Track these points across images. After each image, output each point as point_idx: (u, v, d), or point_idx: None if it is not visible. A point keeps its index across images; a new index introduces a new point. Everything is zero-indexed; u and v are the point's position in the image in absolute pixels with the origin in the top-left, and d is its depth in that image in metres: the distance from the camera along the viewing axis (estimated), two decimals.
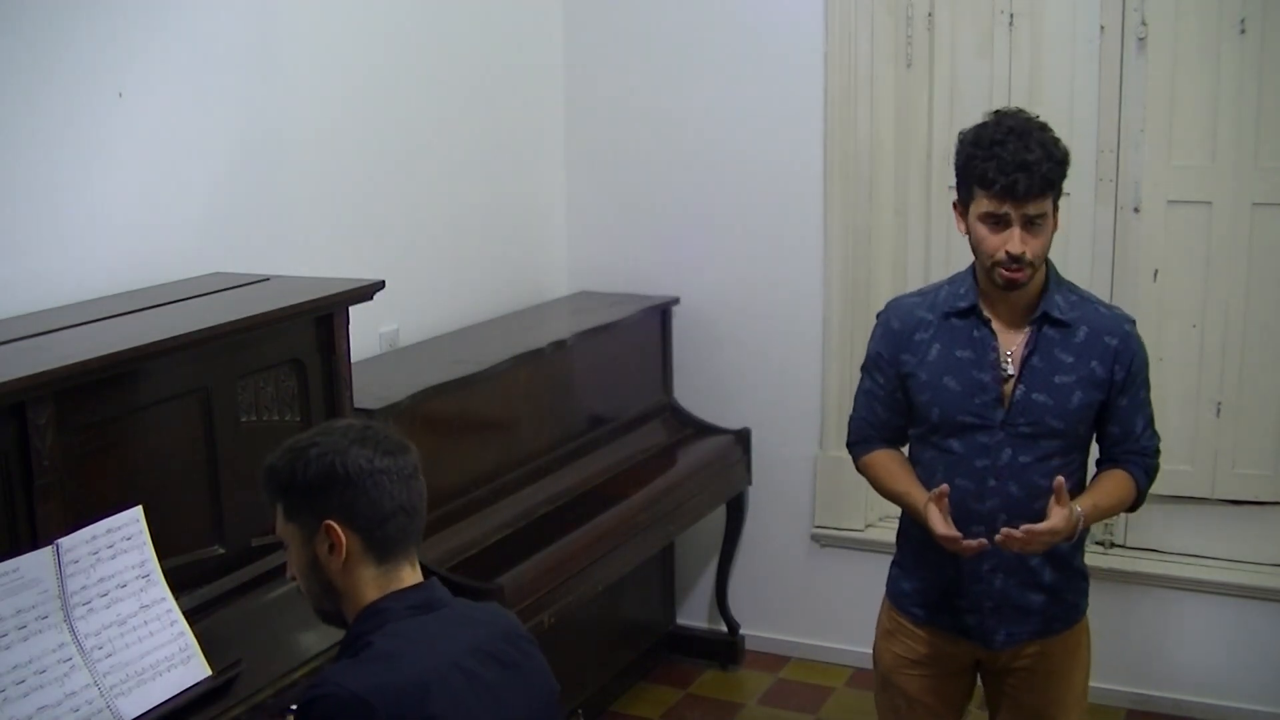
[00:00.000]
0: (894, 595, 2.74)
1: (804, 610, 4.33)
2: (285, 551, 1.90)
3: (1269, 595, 3.77)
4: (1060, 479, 2.43)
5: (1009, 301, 2.53)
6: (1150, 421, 2.61)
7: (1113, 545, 3.96)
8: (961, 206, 2.54)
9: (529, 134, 4.24)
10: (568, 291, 4.41)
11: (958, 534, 2.45)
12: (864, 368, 2.73)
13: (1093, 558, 3.88)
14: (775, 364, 4.24)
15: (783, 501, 4.28)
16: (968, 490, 2.54)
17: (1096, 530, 3.92)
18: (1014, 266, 2.46)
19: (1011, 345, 2.54)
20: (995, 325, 2.55)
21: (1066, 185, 2.51)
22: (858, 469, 2.76)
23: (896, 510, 2.71)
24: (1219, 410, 3.78)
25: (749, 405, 4.27)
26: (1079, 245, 3.80)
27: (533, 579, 3.14)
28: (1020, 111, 2.52)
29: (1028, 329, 2.53)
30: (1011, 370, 2.52)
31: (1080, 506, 2.47)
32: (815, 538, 4.27)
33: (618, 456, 3.91)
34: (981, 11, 3.85)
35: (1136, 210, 3.77)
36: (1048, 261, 2.55)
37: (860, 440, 2.74)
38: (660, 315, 4.25)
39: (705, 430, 4.22)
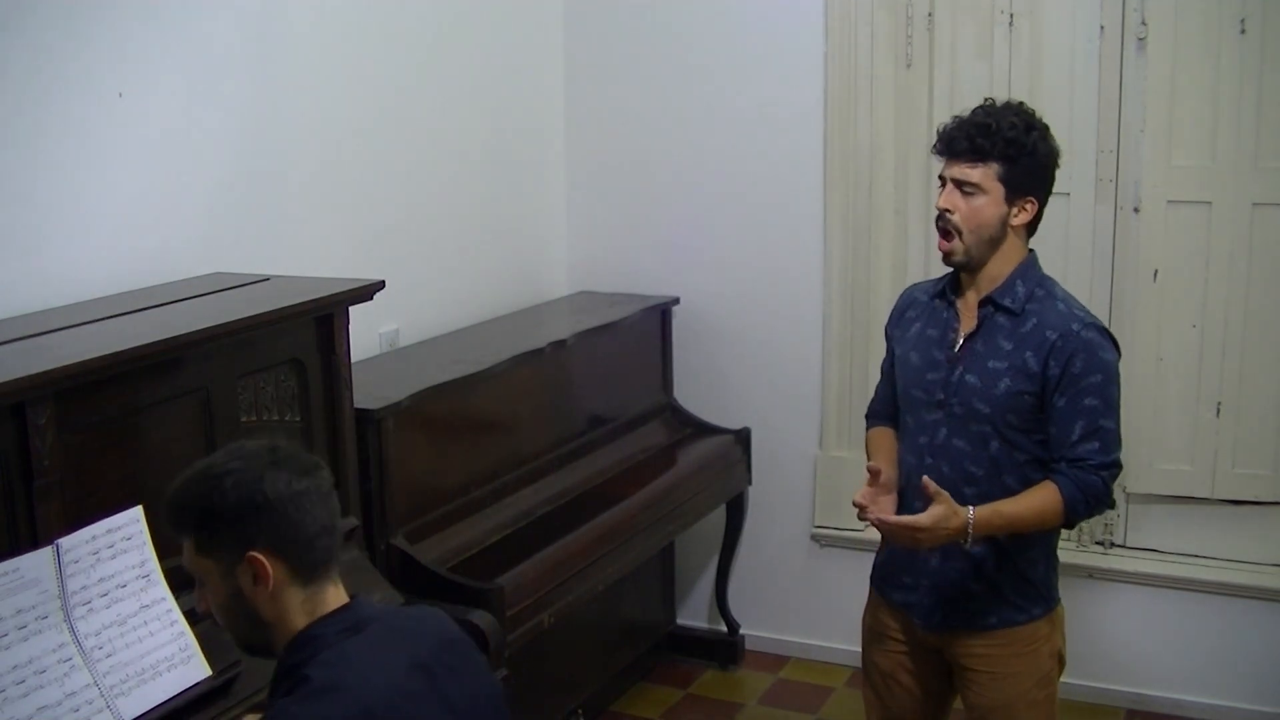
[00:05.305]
0: (873, 569, 2.79)
1: (804, 610, 4.33)
2: (199, 589, 1.83)
3: (1268, 595, 3.77)
4: (926, 478, 2.42)
5: (976, 286, 2.56)
6: (1094, 433, 2.44)
7: (1113, 545, 3.96)
8: None
9: (529, 134, 4.24)
10: (568, 291, 4.41)
11: (864, 503, 2.50)
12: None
13: (1092, 557, 3.93)
14: (775, 364, 4.24)
15: (783, 501, 4.28)
16: (912, 465, 2.60)
17: (1097, 530, 3.92)
18: (940, 225, 2.50)
19: (968, 328, 2.57)
20: (960, 307, 2.58)
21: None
22: None
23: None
24: (1219, 410, 3.77)
25: (749, 405, 4.27)
26: (1079, 245, 3.80)
27: (533, 579, 3.14)
28: (1023, 105, 2.55)
29: (979, 312, 2.56)
30: (958, 350, 2.56)
31: (978, 509, 2.42)
32: (815, 538, 4.27)
33: (618, 456, 3.91)
34: (981, 11, 3.84)
35: (1136, 210, 3.76)
36: (1030, 257, 2.56)
37: (869, 415, 2.85)
38: (660, 315, 4.25)
39: (705, 430, 4.22)
